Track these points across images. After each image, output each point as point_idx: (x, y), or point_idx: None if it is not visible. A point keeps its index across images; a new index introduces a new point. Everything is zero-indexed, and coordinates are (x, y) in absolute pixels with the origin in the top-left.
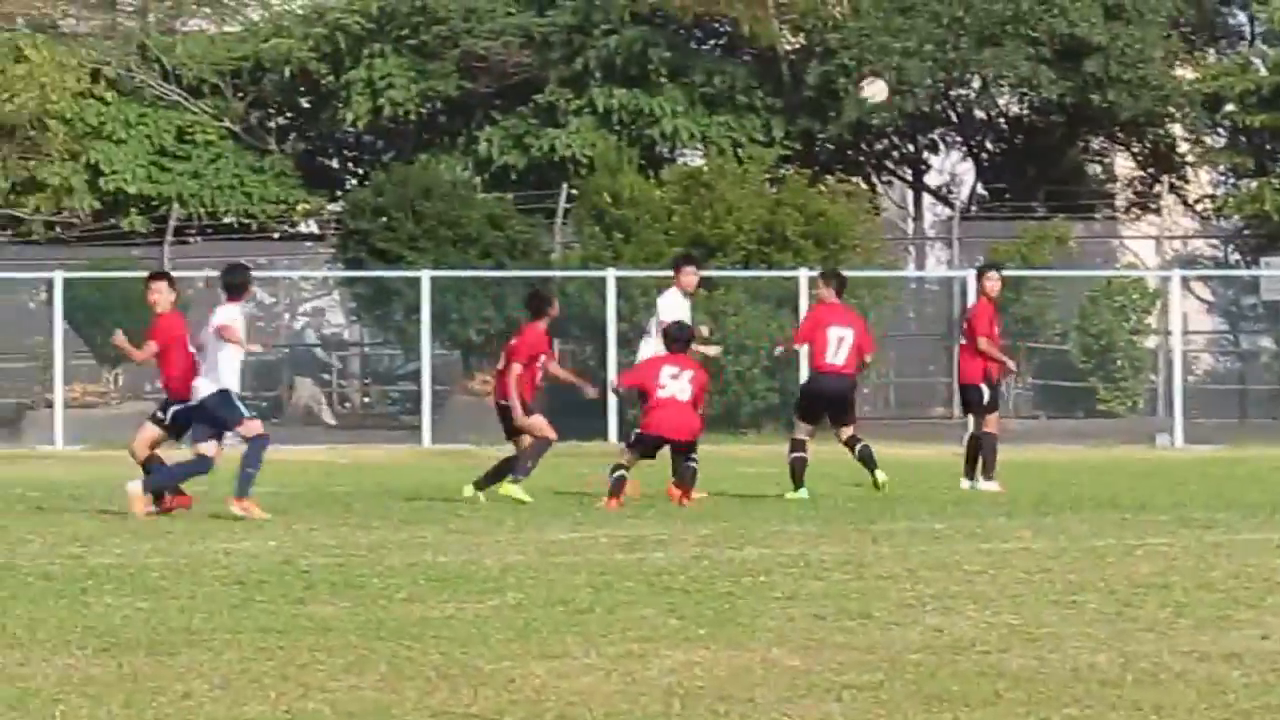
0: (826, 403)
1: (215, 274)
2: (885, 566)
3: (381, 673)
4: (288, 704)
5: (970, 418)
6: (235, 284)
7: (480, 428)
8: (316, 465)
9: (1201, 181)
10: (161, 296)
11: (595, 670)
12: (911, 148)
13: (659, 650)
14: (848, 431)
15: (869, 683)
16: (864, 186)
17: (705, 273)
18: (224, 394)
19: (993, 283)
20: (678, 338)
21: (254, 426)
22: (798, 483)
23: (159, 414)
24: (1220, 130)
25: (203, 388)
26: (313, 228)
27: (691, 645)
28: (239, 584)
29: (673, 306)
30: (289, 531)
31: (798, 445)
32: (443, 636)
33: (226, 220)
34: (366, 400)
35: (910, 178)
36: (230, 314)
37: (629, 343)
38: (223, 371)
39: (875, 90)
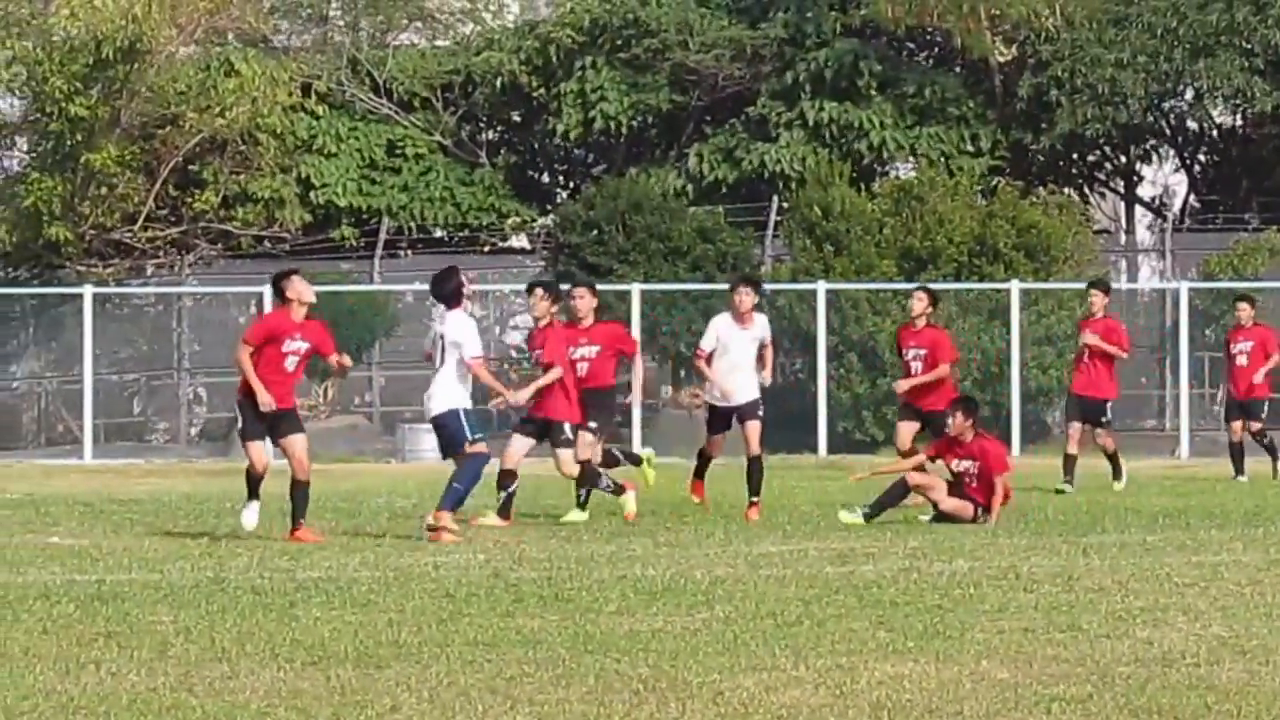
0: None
1: (424, 287)
2: (1095, 579)
3: (589, 685)
4: (495, 717)
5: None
6: (451, 291)
7: (691, 440)
8: (527, 479)
9: None
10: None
11: (804, 683)
12: (1124, 159)
13: (868, 663)
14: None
15: (1078, 695)
16: (1076, 198)
17: (917, 285)
18: (456, 413)
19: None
20: None
21: (478, 448)
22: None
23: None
24: None
25: (438, 403)
26: (523, 241)
27: (900, 658)
28: (448, 597)
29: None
30: (498, 545)
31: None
32: (651, 649)
33: (436, 233)
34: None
35: (1122, 190)
36: (462, 322)
37: (839, 355)
38: (459, 385)
39: None
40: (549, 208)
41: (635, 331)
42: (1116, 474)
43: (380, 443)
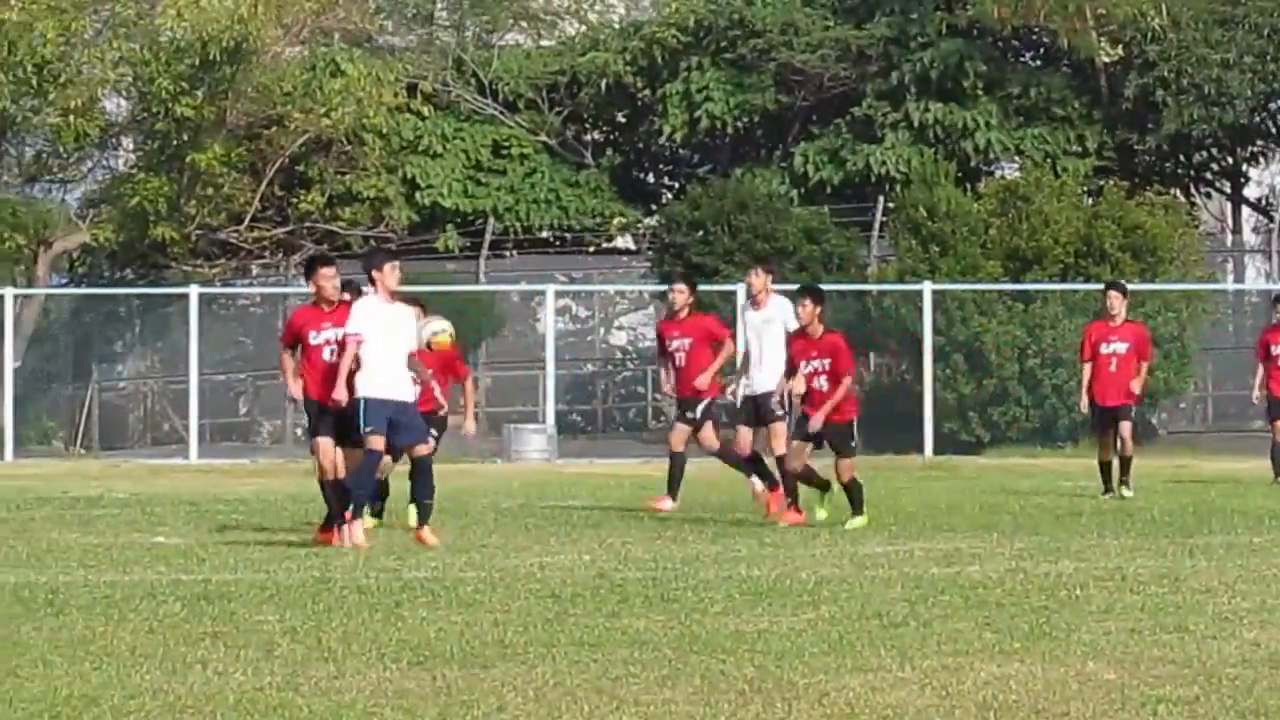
0: None
1: (530, 287)
2: (1202, 580)
3: (695, 686)
4: (601, 717)
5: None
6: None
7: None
8: (631, 478)
9: None
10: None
11: (909, 684)
12: (1230, 160)
13: (974, 664)
14: None
15: (1185, 697)
16: (1182, 199)
17: (1022, 286)
18: (356, 401)
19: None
20: None
21: (372, 442)
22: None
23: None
24: None
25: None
26: (628, 242)
27: (1006, 659)
28: (553, 597)
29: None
30: (603, 545)
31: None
32: (757, 650)
33: (542, 234)
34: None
35: (1228, 190)
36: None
37: (945, 356)
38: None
39: None
40: (654, 208)
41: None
42: (1125, 480)
43: (486, 443)
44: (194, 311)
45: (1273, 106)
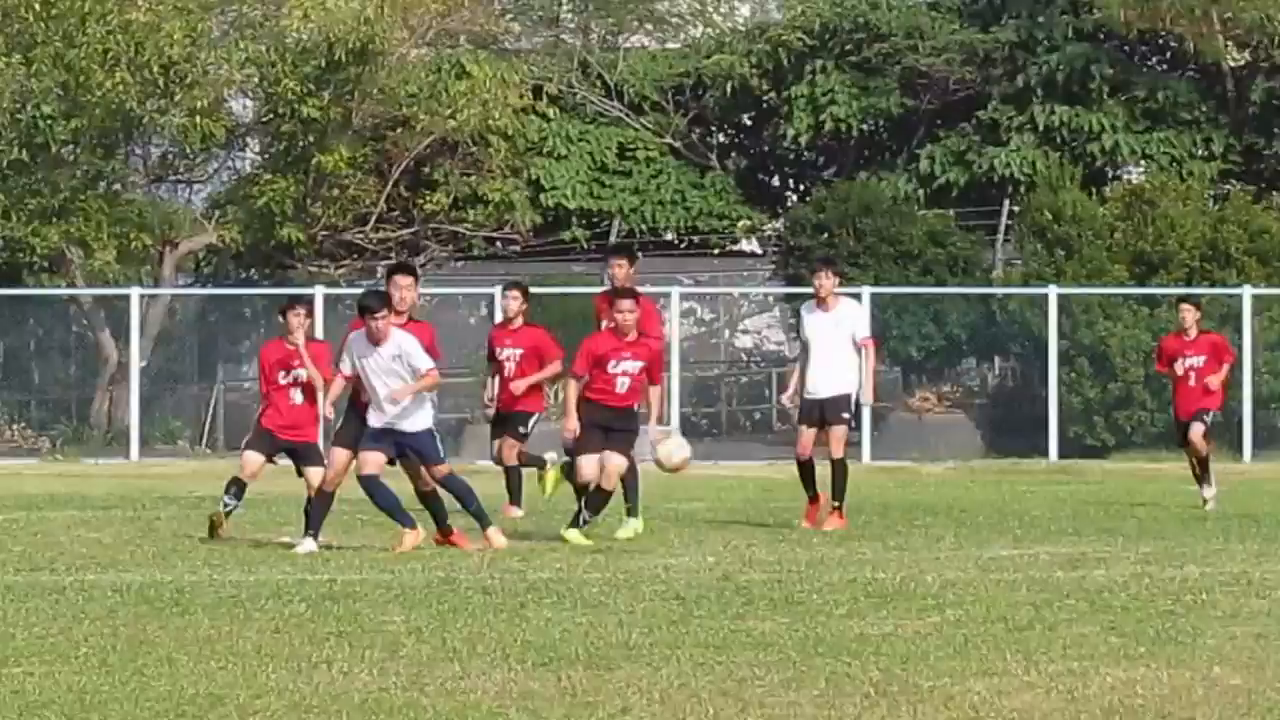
0: None
1: (655, 290)
2: None
3: (820, 689)
4: (726, 719)
5: None
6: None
7: (921, 444)
8: (754, 481)
9: None
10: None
11: (1035, 688)
12: None
13: (1099, 668)
14: None
15: None
16: None
17: (1148, 290)
18: None
19: None
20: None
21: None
22: None
23: None
24: None
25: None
26: (753, 244)
27: (1132, 663)
28: (677, 599)
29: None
30: (728, 547)
31: None
32: (881, 653)
33: (666, 236)
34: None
35: None
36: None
37: (1070, 360)
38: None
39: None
40: (779, 211)
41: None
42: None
43: None
44: (319, 312)
45: None
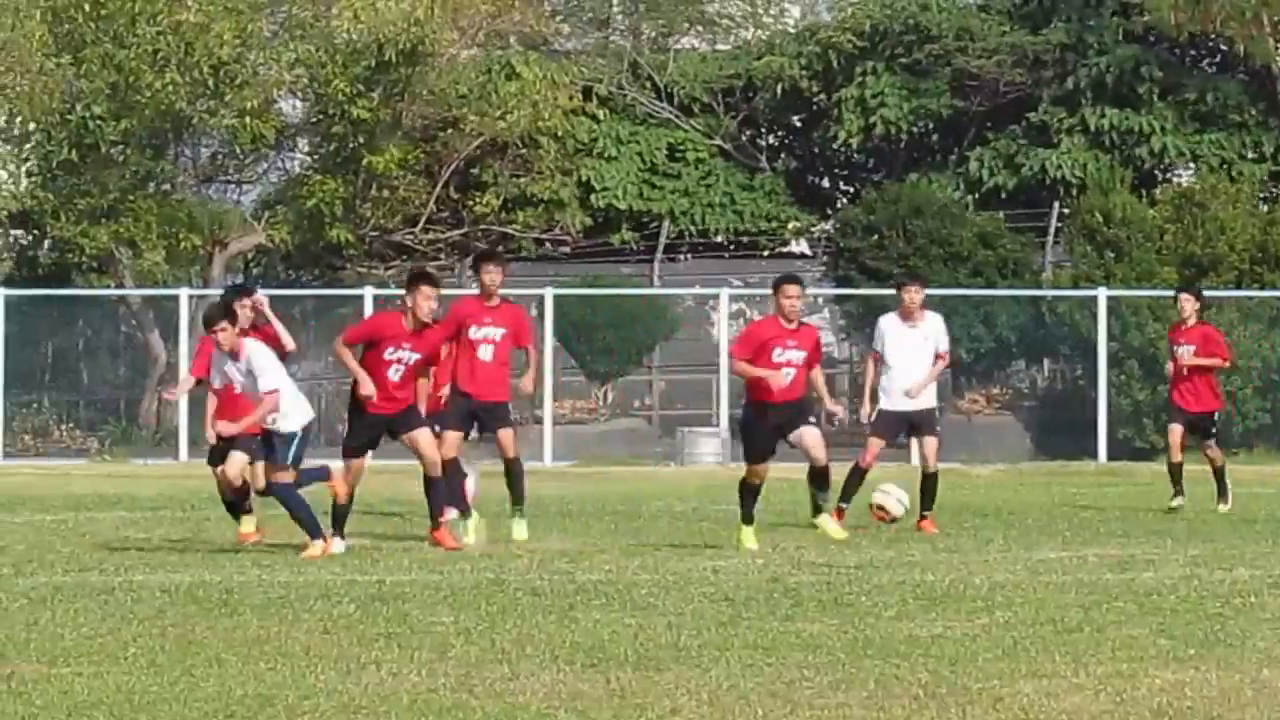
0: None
1: (705, 291)
2: None
3: (869, 690)
4: None
5: None
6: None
7: (970, 446)
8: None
9: None
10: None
11: (1084, 689)
12: None
13: (1148, 670)
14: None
15: None
16: None
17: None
18: None
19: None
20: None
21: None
22: None
23: None
24: None
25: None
26: (803, 246)
27: (1181, 665)
28: (726, 601)
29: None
30: (776, 549)
31: None
32: (930, 655)
33: (716, 238)
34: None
35: None
36: None
37: (1120, 362)
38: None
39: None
40: (829, 212)
41: None
42: (1222, 494)
43: (659, 446)
44: (369, 313)
45: None
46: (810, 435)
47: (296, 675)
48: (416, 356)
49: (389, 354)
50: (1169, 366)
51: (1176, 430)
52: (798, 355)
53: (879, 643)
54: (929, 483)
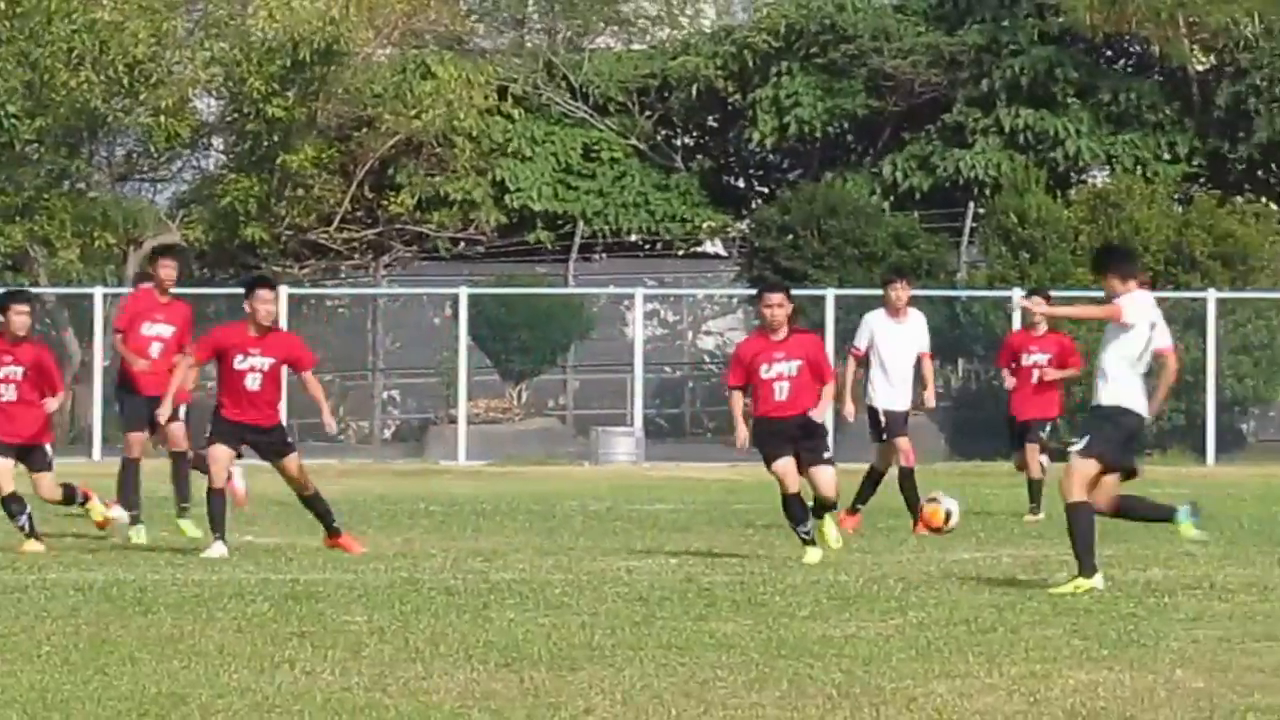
0: None
1: (620, 291)
2: None
3: (783, 690)
4: None
5: None
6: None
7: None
8: (718, 483)
9: None
10: None
11: (997, 690)
12: None
13: (1061, 670)
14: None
15: (1275, 705)
16: (1273, 207)
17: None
18: None
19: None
20: None
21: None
22: None
23: None
24: None
25: None
26: (718, 246)
27: (1094, 666)
28: (640, 601)
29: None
30: (691, 549)
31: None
32: (844, 655)
33: (631, 238)
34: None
35: None
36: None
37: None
38: None
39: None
40: (743, 213)
41: (830, 335)
42: (1035, 504)
43: (574, 445)
44: (284, 312)
45: None
46: (824, 475)
47: (210, 674)
48: (270, 361)
49: (239, 363)
50: (1007, 378)
51: (1023, 449)
52: (789, 367)
53: (793, 643)
54: (907, 479)
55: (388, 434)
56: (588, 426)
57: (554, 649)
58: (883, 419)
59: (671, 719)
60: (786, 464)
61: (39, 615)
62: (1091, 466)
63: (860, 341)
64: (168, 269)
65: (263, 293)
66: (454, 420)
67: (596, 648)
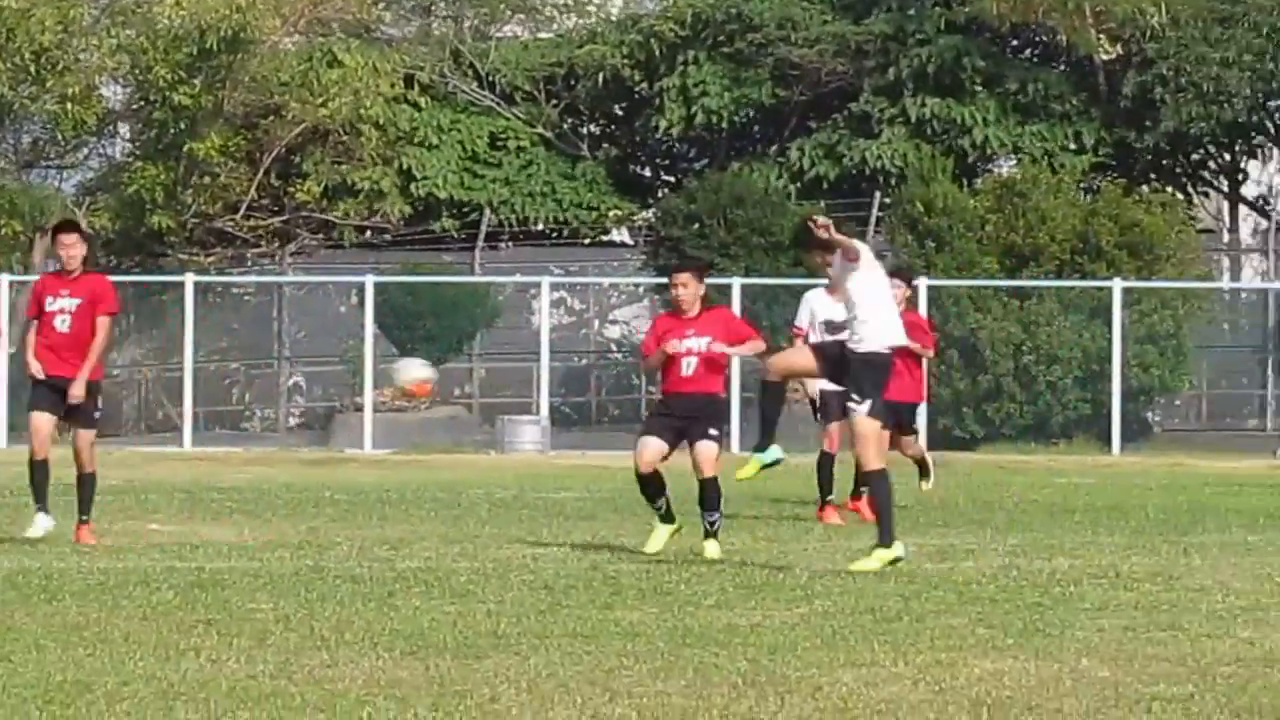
0: None
1: (526, 279)
2: (1196, 579)
3: (688, 679)
4: (594, 709)
5: None
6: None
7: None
8: (623, 470)
9: None
10: None
11: (903, 679)
12: (1228, 158)
13: (967, 659)
14: None
15: (1179, 695)
16: (1179, 197)
17: (1019, 283)
18: None
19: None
20: None
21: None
22: None
23: None
24: None
25: None
26: (624, 235)
27: (1000, 654)
28: (546, 589)
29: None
30: (596, 537)
31: None
32: (750, 643)
33: (537, 227)
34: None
35: (1226, 189)
36: None
37: (940, 352)
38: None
39: None
40: (650, 201)
41: None
42: (924, 474)
43: (480, 434)
44: (190, 300)
45: (1271, 105)
46: (702, 450)
47: (116, 661)
48: (78, 302)
49: (49, 305)
50: None
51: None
52: (699, 343)
53: (699, 631)
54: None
55: (293, 422)
56: (494, 415)
57: (460, 637)
58: (818, 400)
59: (577, 708)
60: (648, 442)
61: None
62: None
63: (801, 320)
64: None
65: (63, 237)
66: (360, 408)
67: (502, 636)
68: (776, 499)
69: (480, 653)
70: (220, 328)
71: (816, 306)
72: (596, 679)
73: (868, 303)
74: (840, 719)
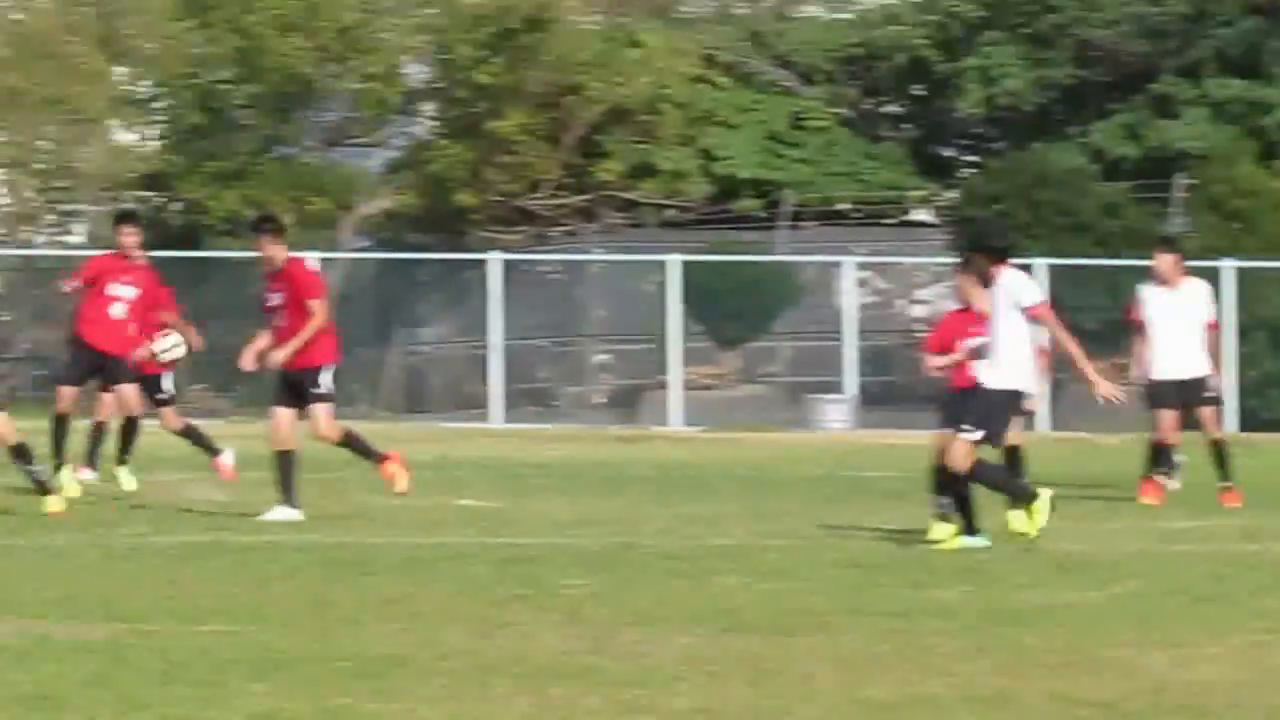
0: None
1: (828, 259)
2: None
3: (1001, 658)
4: (908, 687)
5: None
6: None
7: (1097, 416)
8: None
9: None
10: None
11: (1218, 660)
12: None
13: None
14: None
15: None
16: None
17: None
18: None
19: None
20: None
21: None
22: None
23: None
24: None
25: None
26: (927, 215)
27: None
28: (856, 567)
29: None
30: (910, 516)
31: None
32: (1063, 623)
33: (839, 207)
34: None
35: None
36: None
37: (1248, 333)
38: None
39: None
40: (951, 182)
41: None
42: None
43: (786, 412)
44: (496, 278)
45: None
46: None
47: (430, 636)
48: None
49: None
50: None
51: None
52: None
53: (1012, 611)
54: (1217, 450)
55: (600, 399)
56: (799, 393)
57: (773, 614)
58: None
59: (890, 684)
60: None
61: (261, 577)
62: None
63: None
64: (129, 235)
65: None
66: (666, 386)
67: (815, 613)
68: (1086, 480)
69: (793, 630)
70: (525, 305)
71: (1149, 301)
72: (910, 656)
73: None
74: (1155, 700)
